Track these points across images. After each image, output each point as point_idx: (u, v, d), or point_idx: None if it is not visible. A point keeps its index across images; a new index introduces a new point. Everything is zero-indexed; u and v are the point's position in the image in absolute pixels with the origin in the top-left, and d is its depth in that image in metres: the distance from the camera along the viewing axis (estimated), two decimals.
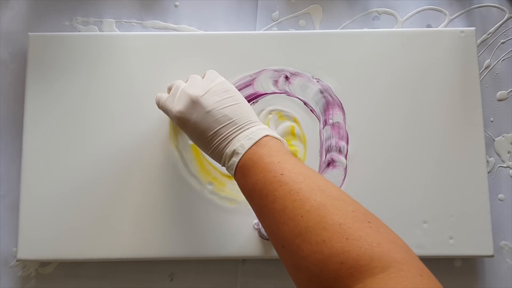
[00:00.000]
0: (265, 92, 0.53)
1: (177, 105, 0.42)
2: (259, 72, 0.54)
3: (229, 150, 0.39)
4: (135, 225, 0.51)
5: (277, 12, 0.58)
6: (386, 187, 0.52)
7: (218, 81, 0.42)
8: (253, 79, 0.54)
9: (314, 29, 0.57)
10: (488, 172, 0.55)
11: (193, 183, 0.52)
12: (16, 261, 0.52)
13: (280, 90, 0.53)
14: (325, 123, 0.53)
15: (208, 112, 0.40)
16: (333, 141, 0.53)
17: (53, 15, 0.57)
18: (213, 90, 0.41)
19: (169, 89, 0.46)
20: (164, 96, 0.45)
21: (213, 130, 0.40)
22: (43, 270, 0.53)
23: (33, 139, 0.52)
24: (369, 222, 0.32)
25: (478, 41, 0.57)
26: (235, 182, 0.51)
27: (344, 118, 0.53)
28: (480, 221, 0.51)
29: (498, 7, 0.58)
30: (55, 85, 0.53)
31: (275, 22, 0.58)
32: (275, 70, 0.54)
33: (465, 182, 0.52)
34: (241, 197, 0.51)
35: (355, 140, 0.53)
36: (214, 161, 0.52)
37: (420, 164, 0.52)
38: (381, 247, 0.30)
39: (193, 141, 0.43)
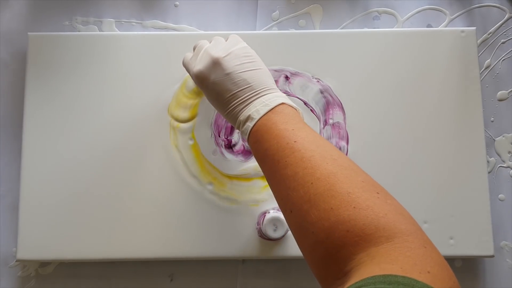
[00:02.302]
0: None
1: (198, 65, 0.42)
2: None
3: (244, 114, 0.40)
4: (135, 225, 0.51)
5: (277, 12, 0.58)
6: (386, 187, 0.51)
7: (241, 45, 0.43)
8: None
9: (314, 29, 0.57)
10: (489, 172, 0.55)
11: (193, 183, 0.52)
12: (16, 261, 0.52)
13: (280, 90, 0.53)
14: (325, 123, 0.53)
15: (227, 74, 0.41)
16: (333, 141, 0.53)
17: (53, 15, 0.57)
18: (235, 53, 0.42)
19: (194, 49, 0.47)
20: (189, 55, 0.46)
21: (230, 92, 0.40)
22: (43, 270, 0.53)
23: (33, 139, 0.52)
24: (377, 193, 0.32)
25: (479, 41, 0.57)
26: (235, 182, 0.51)
27: (344, 118, 0.53)
28: (480, 221, 0.51)
29: (498, 7, 0.58)
30: (55, 85, 0.53)
31: (275, 22, 0.57)
32: (275, 70, 0.54)
33: (465, 182, 0.52)
34: (241, 197, 0.51)
35: (355, 140, 0.53)
36: (214, 161, 0.52)
37: (420, 164, 0.52)
38: (387, 218, 0.30)
39: (210, 102, 0.44)
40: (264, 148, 0.37)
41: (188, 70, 0.45)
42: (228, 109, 0.41)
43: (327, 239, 0.31)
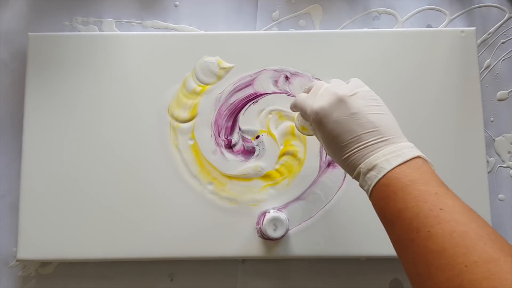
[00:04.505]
0: (265, 92, 0.53)
1: (320, 101, 0.38)
2: (259, 72, 0.54)
3: (369, 161, 0.35)
4: (135, 225, 0.51)
5: (277, 12, 0.58)
6: None
7: (366, 88, 0.39)
8: (253, 79, 0.53)
9: (314, 29, 0.57)
10: (488, 172, 0.55)
11: (193, 183, 0.52)
12: (16, 261, 0.52)
13: (280, 90, 0.53)
14: None
15: (352, 114, 0.36)
16: None
17: (53, 15, 0.57)
18: (361, 94, 0.38)
19: (305, 90, 0.44)
20: (303, 95, 0.42)
21: (354, 134, 0.36)
22: (43, 270, 0.53)
23: (33, 139, 0.52)
24: None
25: (478, 41, 0.57)
26: (235, 182, 0.51)
27: None
28: None
29: (498, 7, 0.58)
30: (55, 85, 0.53)
31: (275, 22, 0.57)
32: (275, 70, 0.54)
33: (465, 182, 0.52)
34: (241, 197, 0.51)
35: None
36: (214, 161, 0.52)
37: None
38: None
39: (325, 145, 0.39)
40: (397, 209, 0.32)
41: (303, 108, 0.40)
42: (348, 153, 0.36)
43: None
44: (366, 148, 0.35)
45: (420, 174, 0.33)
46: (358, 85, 0.39)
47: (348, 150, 0.36)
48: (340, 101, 0.37)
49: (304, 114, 0.41)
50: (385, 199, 0.33)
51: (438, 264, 0.29)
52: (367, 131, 0.36)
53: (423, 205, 0.31)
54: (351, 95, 0.37)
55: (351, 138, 0.36)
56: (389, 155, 0.34)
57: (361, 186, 0.36)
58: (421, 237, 0.30)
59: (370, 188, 0.34)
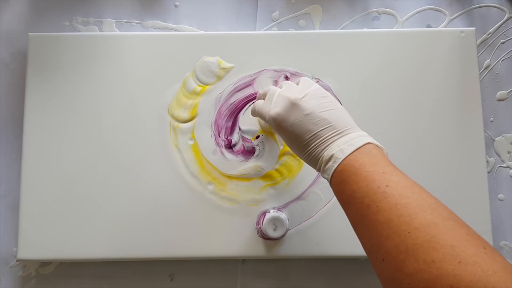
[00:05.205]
0: None
1: (275, 108, 0.41)
2: (259, 72, 0.54)
3: (326, 154, 0.38)
4: (135, 225, 0.51)
5: (277, 12, 0.58)
6: None
7: (315, 87, 0.42)
8: (253, 79, 0.54)
9: (314, 29, 0.57)
10: (488, 172, 0.55)
11: (193, 183, 0.52)
12: (16, 261, 0.52)
13: None
14: None
15: (306, 115, 0.40)
16: None
17: (53, 15, 0.57)
18: (311, 94, 0.41)
19: (260, 96, 0.47)
20: (259, 101, 0.45)
21: (311, 133, 0.39)
22: (43, 270, 0.53)
23: (33, 139, 0.52)
24: (484, 248, 0.30)
25: (478, 41, 0.57)
26: (235, 182, 0.51)
27: None
28: (480, 221, 0.51)
29: (498, 7, 0.58)
30: (55, 85, 0.53)
31: (275, 22, 0.58)
32: (275, 70, 0.54)
33: (465, 182, 0.52)
34: (241, 197, 0.52)
35: None
36: (214, 161, 0.52)
37: (420, 164, 0.52)
38: (497, 276, 0.28)
39: (287, 144, 0.43)
40: (351, 190, 0.36)
41: (262, 115, 0.44)
42: (308, 150, 0.40)
43: None
44: (323, 143, 0.39)
45: (369, 158, 0.37)
46: (307, 84, 0.42)
47: (308, 148, 0.40)
48: (293, 105, 0.40)
49: (263, 119, 0.44)
50: (341, 184, 0.37)
51: (387, 233, 0.32)
52: (322, 128, 0.39)
53: (372, 184, 0.35)
54: (302, 97, 0.41)
55: (309, 137, 0.39)
56: (343, 145, 0.38)
57: (323, 176, 0.39)
58: (371, 212, 0.34)
59: (329, 176, 0.38)
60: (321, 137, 0.39)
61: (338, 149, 0.38)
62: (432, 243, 0.30)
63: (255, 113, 0.46)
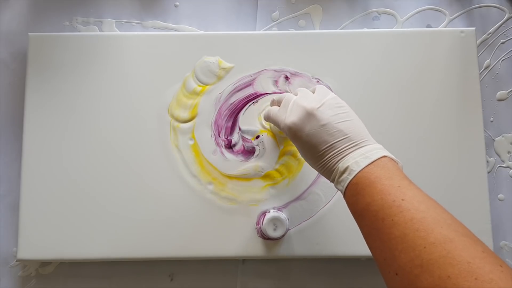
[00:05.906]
0: (265, 92, 0.53)
1: (291, 116, 0.41)
2: (259, 72, 0.54)
3: (341, 165, 0.38)
4: (135, 225, 0.51)
5: (277, 12, 0.58)
6: None
7: (331, 96, 0.42)
8: (253, 79, 0.54)
9: (314, 29, 0.57)
10: (488, 172, 0.55)
11: (193, 183, 0.52)
12: (16, 261, 0.52)
13: (280, 90, 0.53)
14: None
15: (323, 125, 0.39)
16: None
17: (53, 15, 0.57)
18: (328, 103, 0.41)
19: (274, 102, 0.47)
20: (274, 108, 0.45)
21: (327, 144, 0.39)
22: (43, 270, 0.53)
23: (33, 139, 0.52)
24: (500, 266, 0.29)
25: (478, 41, 0.57)
26: (235, 182, 0.51)
27: None
28: (480, 221, 0.51)
29: (498, 7, 0.58)
30: (55, 85, 0.53)
31: (275, 22, 0.58)
32: (275, 70, 0.54)
33: (464, 182, 0.52)
34: (241, 197, 0.51)
35: None
36: (214, 161, 0.52)
37: (420, 164, 0.52)
38: None
39: (301, 154, 0.42)
40: (366, 203, 0.35)
41: (277, 122, 0.44)
42: (323, 161, 0.39)
43: None
44: (338, 155, 0.39)
45: (385, 171, 0.36)
46: (324, 93, 0.42)
47: (323, 159, 0.39)
48: (310, 115, 0.40)
49: (278, 127, 0.44)
50: (355, 196, 0.37)
51: (401, 247, 0.32)
52: (338, 139, 0.39)
53: (387, 197, 0.34)
54: (319, 107, 0.40)
55: (325, 148, 0.39)
56: (358, 157, 0.38)
57: (337, 187, 0.39)
58: (386, 225, 0.33)
59: (344, 188, 0.38)
60: (336, 149, 0.39)
61: (354, 161, 0.37)
62: (448, 259, 0.30)
63: (269, 119, 0.46)
